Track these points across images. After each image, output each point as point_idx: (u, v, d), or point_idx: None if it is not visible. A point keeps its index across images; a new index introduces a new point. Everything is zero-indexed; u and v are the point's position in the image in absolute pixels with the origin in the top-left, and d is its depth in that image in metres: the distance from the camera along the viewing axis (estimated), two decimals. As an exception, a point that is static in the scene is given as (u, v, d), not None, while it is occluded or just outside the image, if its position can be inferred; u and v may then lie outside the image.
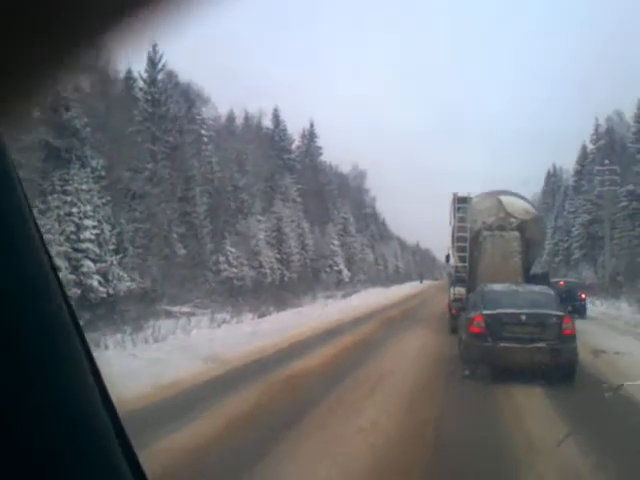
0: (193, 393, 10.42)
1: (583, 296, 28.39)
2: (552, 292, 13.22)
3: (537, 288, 13.77)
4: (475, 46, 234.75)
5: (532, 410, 9.64)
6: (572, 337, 11.47)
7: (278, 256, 47.60)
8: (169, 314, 25.99)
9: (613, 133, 59.98)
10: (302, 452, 7.28)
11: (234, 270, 38.58)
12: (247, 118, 61.34)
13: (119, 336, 17.44)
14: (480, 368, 11.66)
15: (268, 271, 44.39)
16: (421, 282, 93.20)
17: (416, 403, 10.08)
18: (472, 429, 8.18)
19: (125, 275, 26.55)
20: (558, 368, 11.30)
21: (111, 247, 25.91)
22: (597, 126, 61.40)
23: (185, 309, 27.91)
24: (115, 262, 25.77)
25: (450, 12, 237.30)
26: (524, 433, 8.39)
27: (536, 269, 24.67)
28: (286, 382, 11.42)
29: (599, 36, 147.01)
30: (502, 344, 11.35)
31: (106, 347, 15.44)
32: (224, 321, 24.33)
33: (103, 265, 24.62)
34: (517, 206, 20.54)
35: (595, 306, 32.25)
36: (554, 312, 11.82)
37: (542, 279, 19.89)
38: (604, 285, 43.73)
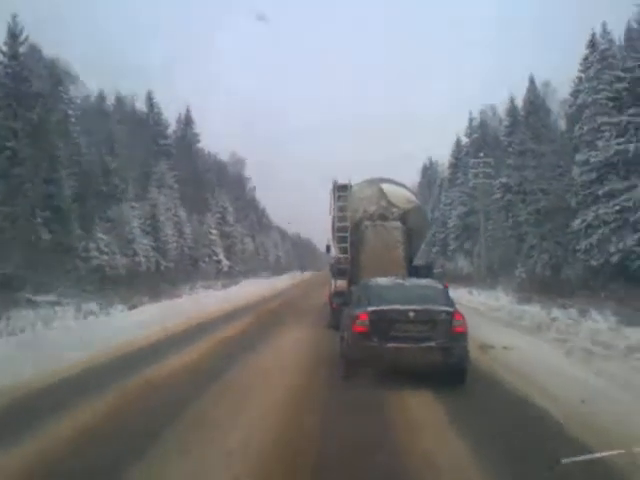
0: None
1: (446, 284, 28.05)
2: (440, 286, 12.11)
3: (424, 281, 12.71)
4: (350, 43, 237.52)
5: (425, 421, 8.45)
6: (463, 335, 10.53)
7: (154, 244, 45.52)
8: (32, 303, 23.63)
9: (486, 127, 61.30)
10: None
11: (105, 258, 36.29)
12: (119, 99, 58.37)
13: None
14: (364, 370, 10.57)
15: (143, 259, 42.28)
16: (302, 273, 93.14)
17: (290, 414, 8.69)
18: (353, 451, 6.90)
19: (-20, 260, 24.04)
20: (449, 368, 10.37)
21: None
22: (471, 120, 62.79)
23: (50, 298, 25.55)
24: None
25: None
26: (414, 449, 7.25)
27: (418, 260, 23.96)
28: (127, 396, 9.60)
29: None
30: (389, 344, 10.19)
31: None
32: (91, 312, 22.35)
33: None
34: (399, 195, 19.70)
35: (473, 296, 32.26)
36: (444, 308, 10.73)
37: (426, 270, 19.14)
38: (480, 275, 44.38)
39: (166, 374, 11.17)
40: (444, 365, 10.28)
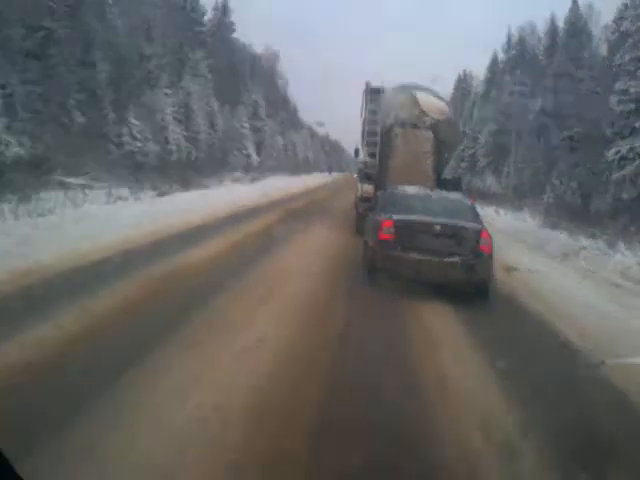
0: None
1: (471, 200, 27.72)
2: (468, 202, 11.97)
3: (453, 196, 12.44)
4: None
5: (442, 336, 8.38)
6: (489, 254, 10.43)
7: (185, 133, 45.24)
8: (63, 185, 23.76)
9: (525, 44, 59.33)
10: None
11: (138, 144, 36.24)
12: (157, -18, 56.80)
13: (3, 207, 15.38)
14: (387, 278, 10.51)
15: (174, 148, 42.19)
16: (330, 174, 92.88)
17: (305, 321, 8.45)
18: (372, 357, 6.97)
19: (13, 140, 24.07)
20: (471, 286, 10.44)
21: (-3, 108, 23.21)
22: (509, 35, 60.76)
23: (81, 181, 25.67)
24: (1, 125, 23.17)
25: None
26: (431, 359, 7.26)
27: (448, 174, 23.60)
28: (161, 280, 9.67)
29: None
30: (413, 255, 10.16)
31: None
32: (120, 197, 22.59)
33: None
34: (433, 104, 19.06)
35: (500, 215, 32.08)
36: (472, 225, 10.67)
37: (454, 185, 18.68)
38: (508, 195, 43.96)
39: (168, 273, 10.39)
40: (467, 282, 10.31)
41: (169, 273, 10.30)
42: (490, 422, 5.49)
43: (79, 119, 31.57)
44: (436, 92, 20.40)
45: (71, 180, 25.15)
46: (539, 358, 7.59)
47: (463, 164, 58.92)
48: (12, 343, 6.13)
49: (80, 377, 5.61)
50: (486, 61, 64.99)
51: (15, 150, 23.99)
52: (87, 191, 22.72)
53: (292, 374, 6.19)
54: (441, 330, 8.70)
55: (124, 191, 24.38)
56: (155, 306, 8.22)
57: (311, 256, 13.94)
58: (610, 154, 29.12)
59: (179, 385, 5.61)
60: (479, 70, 67.06)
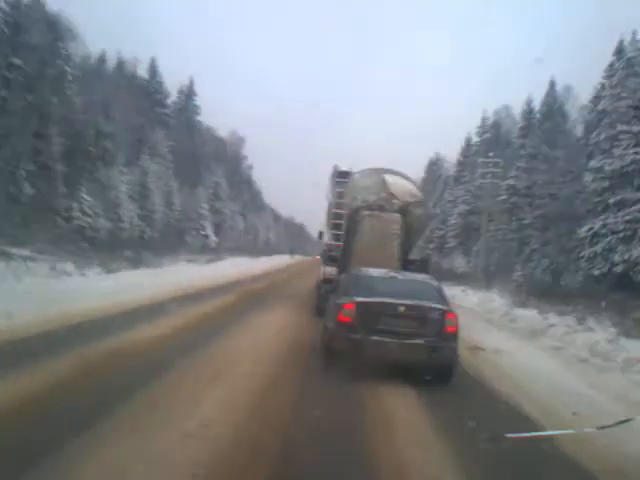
0: None
1: None
2: (435, 282, 11.49)
3: (419, 277, 12.00)
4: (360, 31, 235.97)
5: (403, 421, 7.88)
6: (454, 335, 10.00)
7: (140, 212, 44.54)
8: (6, 255, 22.67)
9: (499, 127, 60.77)
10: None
11: (88, 220, 35.29)
12: (120, 63, 57.38)
13: None
14: (345, 362, 9.88)
15: (127, 225, 41.31)
16: (292, 256, 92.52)
17: (264, 401, 8.00)
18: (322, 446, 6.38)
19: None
20: (436, 368, 10.02)
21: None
22: (484, 119, 62.06)
23: (25, 252, 24.56)
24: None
25: None
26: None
27: (415, 255, 23.21)
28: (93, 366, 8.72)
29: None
30: (374, 337, 9.68)
31: None
32: (64, 272, 21.54)
33: None
34: (401, 187, 18.74)
35: (468, 295, 31.71)
36: (437, 305, 10.18)
37: (422, 266, 18.32)
38: (477, 275, 43.83)
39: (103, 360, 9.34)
40: (431, 364, 9.91)
41: (100, 355, 9.39)
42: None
43: (28, 190, 30.67)
44: (405, 175, 20.08)
45: (14, 251, 24.03)
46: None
47: (432, 245, 59.13)
48: None
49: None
50: (458, 146, 66.03)
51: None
52: (30, 263, 21.68)
53: (237, 462, 5.75)
54: (401, 412, 8.38)
55: (69, 266, 23.31)
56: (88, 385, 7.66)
57: (266, 339, 13.11)
58: (583, 231, 29.15)
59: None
60: (451, 154, 68.05)
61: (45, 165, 32.95)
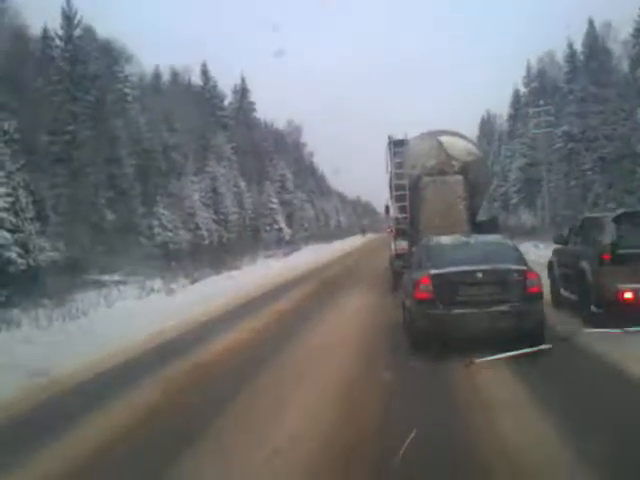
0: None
1: None
2: (509, 242, 11.10)
3: (491, 238, 11.52)
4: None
5: (502, 401, 7.31)
6: (539, 295, 9.58)
7: (215, 217, 46.07)
8: (99, 284, 24.17)
9: (545, 74, 59.60)
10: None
11: (169, 234, 36.86)
12: (174, 75, 59.11)
13: (36, 312, 15.65)
14: (430, 341, 9.56)
15: (205, 233, 42.83)
16: (363, 235, 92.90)
17: (352, 392, 7.97)
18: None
19: (47, 245, 24.72)
20: (524, 334, 9.38)
21: (29, 215, 23.90)
22: (529, 68, 60.96)
23: (117, 277, 26.15)
24: (34, 231, 23.81)
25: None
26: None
27: (482, 216, 22.84)
28: (185, 376, 9.29)
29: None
30: (456, 310, 9.30)
31: (18, 325, 13.92)
32: (153, 290, 22.71)
33: (21, 235, 22.65)
34: (459, 147, 18.24)
35: (540, 250, 31.30)
36: (515, 266, 9.70)
37: (490, 226, 18.08)
38: (545, 228, 43.37)
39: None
40: (519, 330, 9.36)
41: (182, 374, 9.51)
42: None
43: (109, 216, 32.36)
44: (461, 133, 19.74)
45: (106, 278, 25.61)
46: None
47: (496, 204, 58.37)
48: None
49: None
50: (507, 98, 65.23)
51: (50, 254, 24.58)
52: (121, 287, 22.96)
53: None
54: (499, 390, 7.88)
55: (157, 282, 24.52)
56: (171, 416, 7.54)
57: (346, 326, 13.09)
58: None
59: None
60: (501, 109, 67.01)
61: (121, 189, 34.65)
